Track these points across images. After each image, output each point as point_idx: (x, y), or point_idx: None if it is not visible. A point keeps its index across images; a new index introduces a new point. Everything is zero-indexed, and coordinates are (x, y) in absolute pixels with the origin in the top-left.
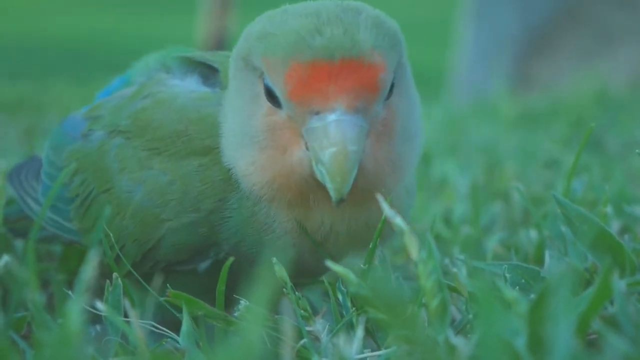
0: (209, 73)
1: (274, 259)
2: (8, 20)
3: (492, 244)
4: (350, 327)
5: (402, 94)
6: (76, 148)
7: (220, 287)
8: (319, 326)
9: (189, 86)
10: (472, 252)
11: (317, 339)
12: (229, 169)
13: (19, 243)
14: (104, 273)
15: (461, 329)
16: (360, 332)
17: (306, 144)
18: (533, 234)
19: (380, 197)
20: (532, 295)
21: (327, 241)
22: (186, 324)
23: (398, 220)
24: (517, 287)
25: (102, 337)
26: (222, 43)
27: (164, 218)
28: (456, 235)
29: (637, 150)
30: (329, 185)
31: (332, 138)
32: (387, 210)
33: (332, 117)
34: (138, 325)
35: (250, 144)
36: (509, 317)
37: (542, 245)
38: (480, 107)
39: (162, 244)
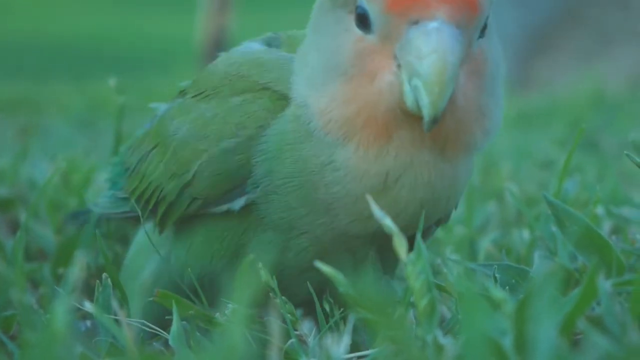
0: (272, 40)
1: (258, 263)
2: (11, 18)
3: (485, 244)
4: (338, 327)
5: (491, 41)
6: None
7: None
8: (306, 327)
9: (250, 46)
10: (465, 252)
11: (304, 340)
12: (274, 102)
13: (9, 242)
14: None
15: (450, 329)
16: (348, 332)
17: (398, 65)
18: (525, 234)
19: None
20: (521, 296)
21: (386, 193)
22: (176, 323)
23: (387, 221)
24: (507, 287)
25: (92, 333)
26: (221, 42)
27: (202, 148)
28: (450, 235)
29: (625, 152)
30: (425, 100)
31: (432, 44)
32: (375, 210)
33: (433, 24)
34: (127, 325)
35: (335, 77)
36: (496, 317)
37: (534, 245)
38: None
39: (199, 176)
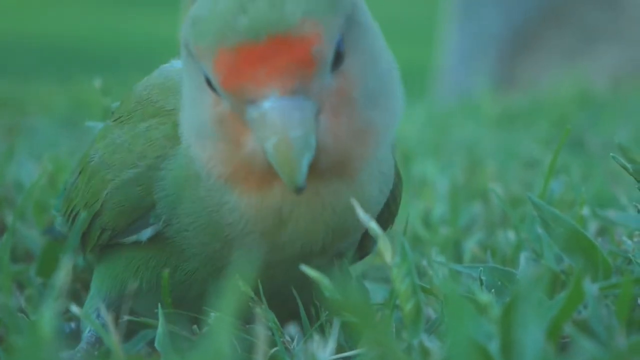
0: None
1: (237, 275)
2: None
3: (470, 245)
4: (324, 331)
5: (360, 55)
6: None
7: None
8: (292, 331)
9: (174, 64)
10: (451, 253)
11: (288, 346)
12: (175, 129)
13: None
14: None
15: (435, 331)
16: (333, 336)
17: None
18: (511, 235)
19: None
20: (507, 298)
21: (285, 226)
22: (161, 326)
23: (372, 225)
24: (493, 289)
25: (77, 335)
26: None
27: (109, 178)
28: (435, 236)
29: (611, 154)
30: (282, 178)
31: (270, 127)
32: (360, 212)
33: (267, 104)
34: (113, 328)
35: (205, 136)
36: (482, 321)
37: (520, 247)
38: (464, 106)
39: (105, 206)
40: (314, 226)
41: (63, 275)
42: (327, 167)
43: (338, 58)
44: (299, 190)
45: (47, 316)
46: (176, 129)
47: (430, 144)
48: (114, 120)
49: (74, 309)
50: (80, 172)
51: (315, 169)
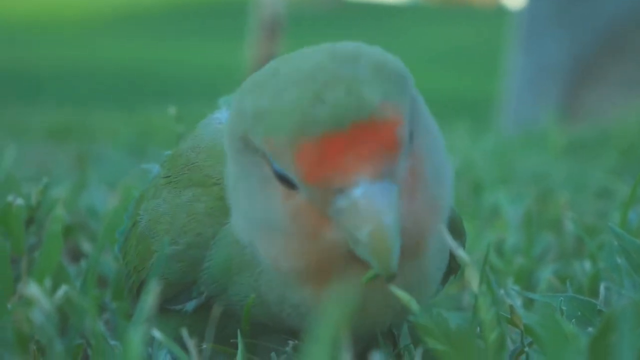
0: None
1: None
2: (60, 45)
3: (546, 274)
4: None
5: (422, 132)
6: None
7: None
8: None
9: (223, 118)
10: (526, 283)
11: None
12: (217, 202)
13: (72, 269)
14: None
15: None
16: None
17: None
18: (587, 265)
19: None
20: (590, 329)
21: (354, 315)
22: (241, 353)
23: (460, 252)
24: (574, 319)
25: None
26: None
27: (153, 249)
28: (509, 266)
29: None
30: (375, 266)
31: (364, 215)
32: (449, 240)
33: (357, 192)
34: (196, 354)
35: (272, 230)
36: (568, 352)
37: (597, 276)
38: (529, 136)
39: (150, 276)
40: (384, 310)
41: (150, 299)
42: (405, 249)
43: (410, 138)
44: (392, 277)
45: (136, 341)
46: (218, 202)
47: (498, 173)
48: (164, 177)
49: (156, 334)
50: (133, 224)
51: None
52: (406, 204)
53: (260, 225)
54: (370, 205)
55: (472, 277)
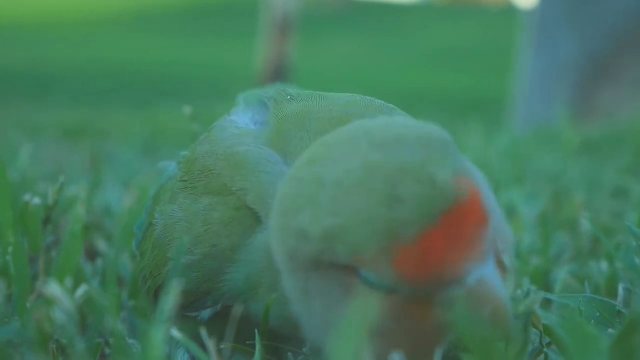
0: (260, 111)
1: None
2: (73, 46)
3: (562, 275)
4: None
5: (479, 181)
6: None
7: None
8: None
9: (240, 121)
10: (542, 283)
11: None
12: (234, 212)
13: (88, 268)
14: None
15: None
16: None
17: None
18: (604, 265)
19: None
20: (610, 330)
21: None
22: (259, 352)
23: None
24: (593, 321)
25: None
26: (281, 69)
27: (169, 256)
28: (525, 266)
29: None
30: (496, 335)
31: (485, 299)
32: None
33: (472, 279)
34: (214, 354)
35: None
36: (591, 354)
37: (615, 277)
38: (542, 135)
39: (166, 283)
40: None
41: (172, 299)
42: None
43: None
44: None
45: (158, 340)
46: (235, 213)
47: (513, 172)
48: (180, 181)
49: (175, 333)
50: (149, 226)
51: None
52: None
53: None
54: (487, 288)
55: (511, 282)
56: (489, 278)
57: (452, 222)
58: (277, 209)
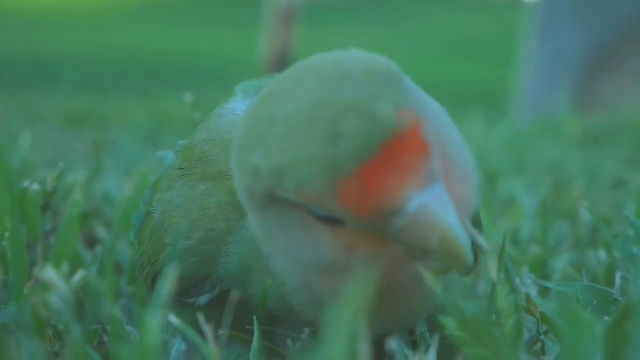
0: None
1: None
2: (76, 34)
3: (561, 264)
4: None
5: (429, 114)
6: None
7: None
8: (393, 345)
9: (238, 109)
10: (541, 272)
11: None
12: (230, 197)
13: (87, 255)
14: None
15: (530, 349)
16: (433, 350)
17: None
18: (602, 254)
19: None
20: (606, 318)
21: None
22: (257, 340)
23: (480, 240)
24: (590, 308)
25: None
26: (285, 58)
27: (167, 242)
28: (524, 255)
29: None
30: (453, 266)
31: (428, 226)
32: (469, 227)
33: (412, 207)
34: (212, 340)
35: (328, 270)
36: (585, 340)
37: (613, 266)
38: (544, 126)
39: (164, 270)
40: (416, 312)
41: (168, 284)
42: None
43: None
44: (470, 270)
45: (153, 326)
46: (232, 197)
47: (513, 163)
48: (178, 169)
49: (173, 319)
50: (147, 214)
51: None
52: (450, 191)
53: (313, 269)
54: (429, 214)
55: (491, 265)
56: (432, 203)
57: (389, 153)
58: (235, 147)
